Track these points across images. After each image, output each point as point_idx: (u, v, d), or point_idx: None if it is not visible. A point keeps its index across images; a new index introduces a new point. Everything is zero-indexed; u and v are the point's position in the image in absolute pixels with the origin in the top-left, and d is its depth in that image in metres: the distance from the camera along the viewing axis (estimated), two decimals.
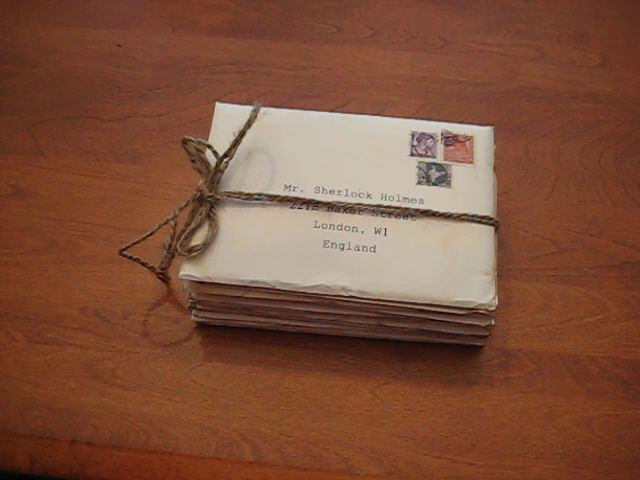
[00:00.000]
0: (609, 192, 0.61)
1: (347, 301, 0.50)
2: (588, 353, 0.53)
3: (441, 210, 0.52)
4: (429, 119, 0.57)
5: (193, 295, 0.51)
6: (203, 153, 0.53)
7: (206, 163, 0.52)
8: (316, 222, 0.51)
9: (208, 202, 0.51)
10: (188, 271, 0.50)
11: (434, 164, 0.54)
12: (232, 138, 0.52)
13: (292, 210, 0.52)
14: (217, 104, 0.57)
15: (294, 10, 0.73)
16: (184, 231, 0.51)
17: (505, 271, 0.56)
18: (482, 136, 0.55)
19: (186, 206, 0.52)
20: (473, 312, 0.49)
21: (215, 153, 0.52)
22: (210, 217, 0.51)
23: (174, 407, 0.51)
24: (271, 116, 0.55)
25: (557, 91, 0.67)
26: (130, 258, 0.54)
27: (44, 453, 0.49)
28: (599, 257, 0.57)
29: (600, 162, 0.63)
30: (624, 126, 0.65)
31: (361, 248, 0.50)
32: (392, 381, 0.52)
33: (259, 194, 0.52)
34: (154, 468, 0.49)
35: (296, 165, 0.53)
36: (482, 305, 0.49)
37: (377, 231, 0.51)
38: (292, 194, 0.52)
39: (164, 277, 0.56)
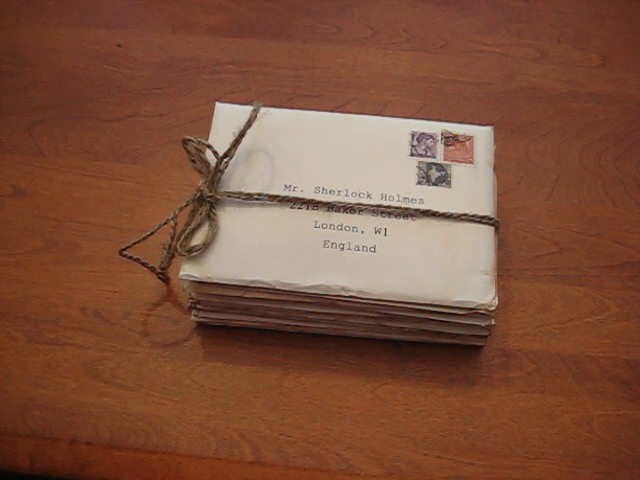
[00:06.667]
0: (609, 192, 0.61)
1: (347, 301, 0.50)
2: (588, 353, 0.53)
3: (441, 210, 0.52)
4: (429, 119, 0.57)
5: (193, 295, 0.51)
6: (203, 153, 0.53)
7: (206, 163, 0.52)
8: (316, 222, 0.51)
9: (208, 202, 0.51)
10: (188, 271, 0.50)
11: (434, 164, 0.54)
12: (232, 138, 0.52)
13: (292, 210, 0.52)
14: (217, 104, 0.57)
15: (294, 10, 0.73)
16: (184, 231, 0.51)
17: (505, 271, 0.56)
18: (482, 136, 0.55)
19: (186, 206, 0.52)
20: (473, 312, 0.49)
21: (215, 153, 0.52)
22: (210, 217, 0.51)
23: (174, 407, 0.51)
24: (271, 116, 0.55)
25: (557, 91, 0.67)
26: (130, 258, 0.54)
27: (44, 453, 0.49)
28: (599, 257, 0.57)
29: (600, 162, 0.63)
30: (624, 126, 0.65)
31: (361, 248, 0.50)
32: (392, 381, 0.52)
33: (259, 194, 0.52)
34: (154, 468, 0.49)
35: (296, 165, 0.53)
36: (482, 305, 0.49)
37: (377, 231, 0.51)
38: (292, 194, 0.52)
39: (164, 277, 0.56)
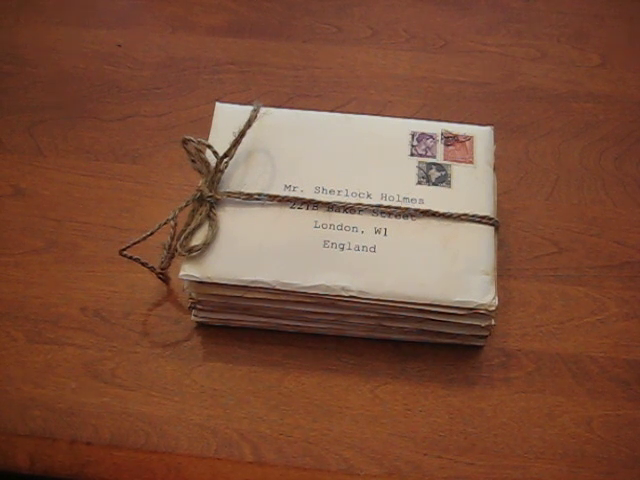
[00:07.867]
0: (609, 192, 0.61)
1: (347, 301, 0.50)
2: (588, 353, 0.53)
3: (441, 210, 0.52)
4: (429, 119, 0.57)
5: (193, 295, 0.51)
6: (203, 153, 0.53)
7: (206, 163, 0.52)
8: (316, 222, 0.51)
9: (208, 202, 0.51)
10: (188, 271, 0.50)
11: (434, 164, 0.54)
12: (232, 138, 0.52)
13: (292, 210, 0.52)
14: (217, 104, 0.57)
15: (294, 10, 0.73)
16: (184, 231, 0.51)
17: (505, 271, 0.56)
18: (482, 136, 0.55)
19: (186, 206, 0.52)
20: (473, 312, 0.49)
21: (215, 153, 0.52)
22: (210, 217, 0.51)
23: (174, 407, 0.51)
24: (271, 116, 0.55)
25: (557, 91, 0.67)
26: (130, 258, 0.54)
27: (44, 453, 0.49)
28: (599, 257, 0.57)
29: (600, 162, 0.63)
30: (624, 126, 0.65)
31: (361, 248, 0.50)
32: (392, 381, 0.52)
33: (259, 194, 0.52)
34: (154, 468, 0.49)
35: (296, 165, 0.53)
36: (482, 305, 0.49)
37: (377, 231, 0.51)
38: (292, 194, 0.52)
39: (164, 277, 0.56)
